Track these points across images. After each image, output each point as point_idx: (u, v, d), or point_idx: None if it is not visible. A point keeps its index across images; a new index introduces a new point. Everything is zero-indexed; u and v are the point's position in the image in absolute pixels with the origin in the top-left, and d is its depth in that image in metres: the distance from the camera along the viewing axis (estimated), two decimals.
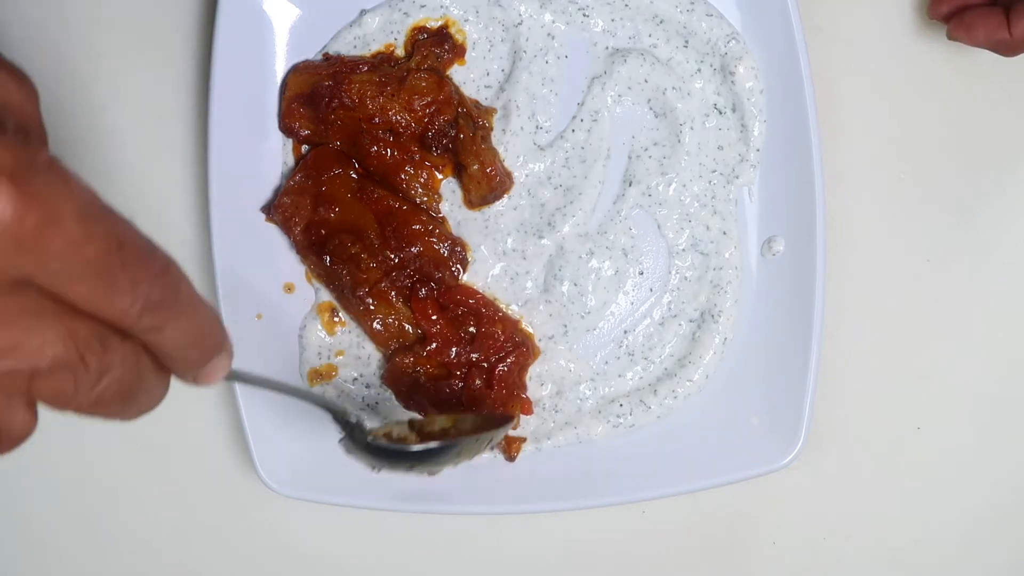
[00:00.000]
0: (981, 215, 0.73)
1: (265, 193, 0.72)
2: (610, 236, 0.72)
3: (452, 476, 0.72)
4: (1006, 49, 0.65)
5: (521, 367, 0.71)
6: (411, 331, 0.71)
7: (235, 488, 0.76)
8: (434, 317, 0.70)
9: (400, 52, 0.72)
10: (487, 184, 0.70)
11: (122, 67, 0.74)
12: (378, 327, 0.71)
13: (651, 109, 0.72)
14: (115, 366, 0.39)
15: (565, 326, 0.72)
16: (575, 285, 0.72)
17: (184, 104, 0.74)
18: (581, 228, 0.72)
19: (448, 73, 0.71)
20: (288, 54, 0.71)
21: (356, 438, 0.62)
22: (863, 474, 0.74)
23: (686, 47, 0.71)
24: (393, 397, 0.72)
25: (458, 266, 0.71)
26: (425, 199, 0.71)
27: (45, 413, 0.77)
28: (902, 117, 0.73)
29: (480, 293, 0.72)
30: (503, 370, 0.70)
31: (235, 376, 0.51)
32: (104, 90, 0.74)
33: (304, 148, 0.72)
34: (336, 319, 0.72)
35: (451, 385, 0.70)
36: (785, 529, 0.75)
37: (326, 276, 0.71)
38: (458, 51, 0.71)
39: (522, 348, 0.71)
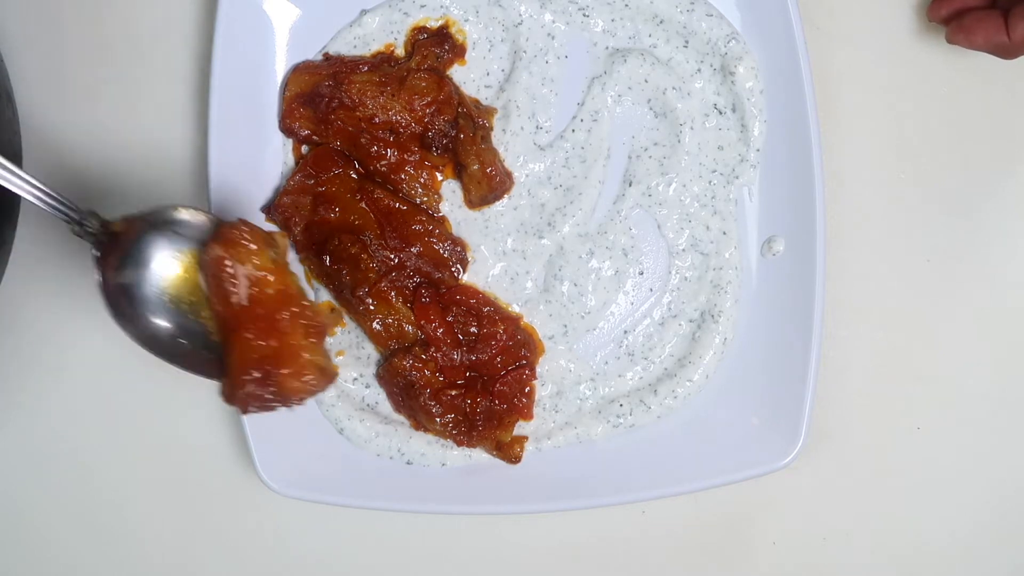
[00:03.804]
0: (981, 215, 0.73)
1: (265, 193, 0.72)
2: (610, 236, 0.72)
3: (452, 476, 0.72)
4: (1005, 52, 0.65)
5: (522, 382, 0.71)
6: (411, 331, 0.71)
7: (235, 488, 0.76)
8: (436, 322, 0.70)
9: (400, 52, 0.72)
10: (487, 184, 0.70)
11: (122, 67, 0.74)
12: (378, 327, 0.71)
13: (651, 109, 0.72)
14: None
15: (565, 326, 0.72)
16: (575, 285, 0.72)
17: (184, 104, 0.74)
18: (581, 228, 0.72)
19: (448, 73, 0.71)
20: (288, 54, 0.71)
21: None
22: (863, 474, 0.75)
23: (686, 47, 0.71)
24: None
25: (458, 266, 0.71)
26: (425, 199, 0.71)
27: (45, 413, 0.77)
28: (902, 117, 0.73)
29: (481, 293, 0.72)
30: (502, 389, 0.70)
31: None
32: (104, 90, 0.74)
33: (304, 148, 0.72)
34: None
35: (449, 395, 0.70)
36: (785, 529, 0.75)
37: (326, 276, 0.71)
38: (458, 51, 0.71)
39: (523, 355, 0.71)
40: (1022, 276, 0.74)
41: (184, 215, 0.61)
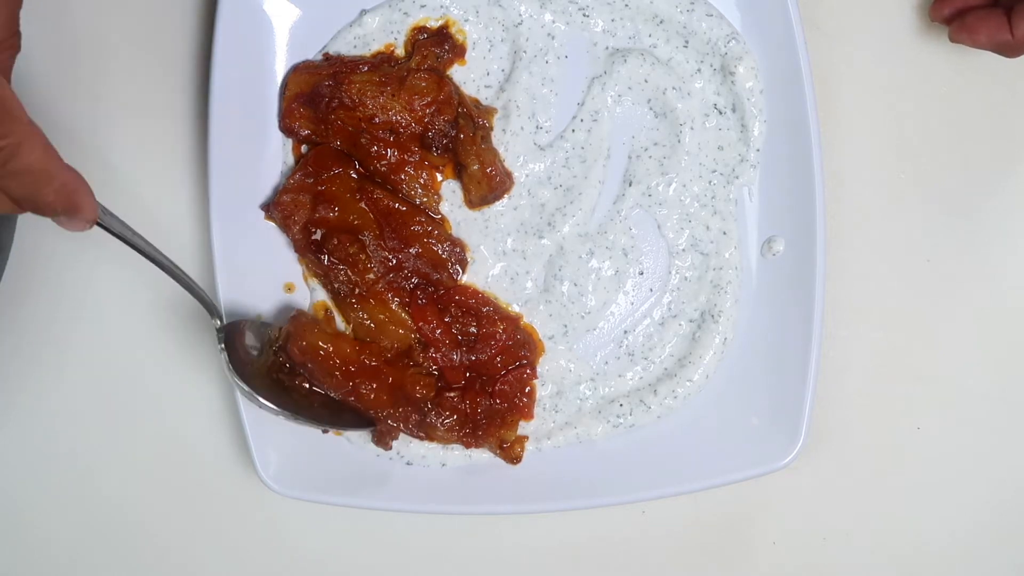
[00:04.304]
0: (981, 215, 0.73)
1: (265, 191, 0.72)
2: (610, 236, 0.72)
3: (452, 476, 0.72)
4: (1008, 50, 0.65)
5: (523, 382, 0.71)
6: (409, 334, 0.71)
7: (235, 488, 0.76)
8: (433, 323, 0.70)
9: (400, 52, 0.72)
10: (487, 184, 0.70)
11: (123, 67, 0.74)
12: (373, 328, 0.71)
13: (651, 109, 0.72)
14: None
15: (565, 326, 0.72)
16: (575, 285, 0.72)
17: (184, 104, 0.74)
18: (581, 228, 0.72)
19: (448, 73, 0.71)
20: (288, 54, 0.71)
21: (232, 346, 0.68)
22: (863, 474, 0.75)
23: (686, 47, 0.71)
24: None
25: (457, 267, 0.71)
26: (425, 199, 0.71)
27: (45, 413, 0.77)
28: (902, 117, 0.73)
29: (480, 292, 0.72)
30: (503, 388, 0.70)
31: (107, 228, 0.60)
32: (104, 90, 0.74)
33: (304, 148, 0.72)
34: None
35: (449, 397, 0.70)
36: (785, 529, 0.75)
37: (323, 276, 0.71)
38: (458, 51, 0.71)
39: (523, 355, 0.71)
40: (1022, 276, 0.74)
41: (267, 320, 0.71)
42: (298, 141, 0.72)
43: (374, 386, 0.69)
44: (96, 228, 0.61)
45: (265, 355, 0.70)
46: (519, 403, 0.71)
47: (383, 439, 0.70)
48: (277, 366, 0.70)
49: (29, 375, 0.76)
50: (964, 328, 0.74)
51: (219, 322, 0.68)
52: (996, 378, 0.74)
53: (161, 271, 0.64)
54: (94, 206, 0.56)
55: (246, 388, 0.67)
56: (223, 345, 0.67)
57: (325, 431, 0.70)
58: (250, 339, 0.70)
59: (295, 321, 0.70)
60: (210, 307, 0.67)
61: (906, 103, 0.73)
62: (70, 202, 0.54)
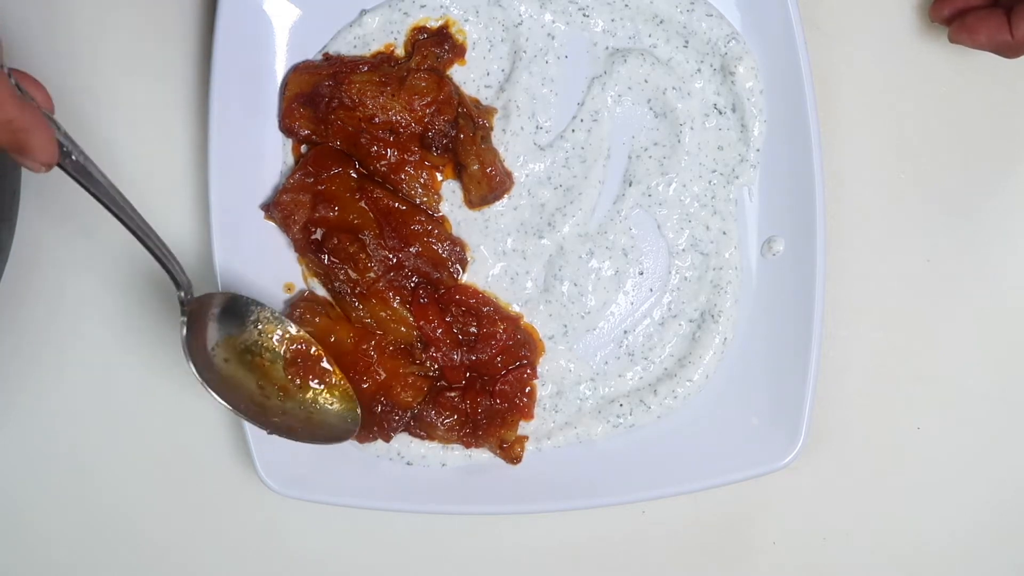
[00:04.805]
0: (981, 215, 0.73)
1: (265, 191, 0.72)
2: (610, 236, 0.72)
3: (452, 476, 0.72)
4: (1008, 51, 0.65)
5: (523, 382, 0.71)
6: (409, 332, 0.71)
7: (235, 488, 0.76)
8: (434, 323, 0.70)
9: (400, 52, 0.72)
10: (487, 184, 0.70)
11: (123, 67, 0.74)
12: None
13: (651, 109, 0.72)
14: None
15: (565, 326, 0.72)
16: (575, 285, 0.72)
17: (184, 104, 0.74)
18: (581, 228, 0.72)
19: (448, 73, 0.71)
20: (288, 54, 0.71)
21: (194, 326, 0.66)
22: (863, 474, 0.75)
23: (686, 47, 0.71)
24: None
25: (457, 266, 0.71)
26: (425, 199, 0.71)
27: (45, 413, 0.77)
28: (902, 117, 0.73)
29: (481, 292, 0.72)
30: (503, 388, 0.71)
31: (72, 176, 0.58)
32: (105, 89, 0.74)
33: (304, 148, 0.72)
34: None
35: (449, 396, 0.70)
36: (785, 529, 0.75)
37: (324, 275, 0.71)
38: (458, 51, 0.71)
39: (523, 355, 0.71)
40: (1022, 276, 0.74)
41: (243, 302, 0.69)
42: (298, 141, 0.72)
43: (364, 377, 0.69)
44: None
45: (248, 332, 0.68)
46: (519, 403, 0.71)
47: (361, 435, 0.70)
48: (257, 347, 0.68)
49: (29, 375, 0.76)
50: (964, 328, 0.74)
51: (184, 294, 0.65)
52: (996, 378, 0.74)
53: (140, 243, 0.62)
54: (49, 150, 0.53)
55: (196, 375, 0.65)
56: (185, 318, 0.65)
57: (270, 433, 0.68)
58: (230, 315, 0.68)
59: (302, 303, 0.70)
60: (178, 278, 0.64)
61: (906, 103, 0.73)
62: (16, 140, 0.51)
